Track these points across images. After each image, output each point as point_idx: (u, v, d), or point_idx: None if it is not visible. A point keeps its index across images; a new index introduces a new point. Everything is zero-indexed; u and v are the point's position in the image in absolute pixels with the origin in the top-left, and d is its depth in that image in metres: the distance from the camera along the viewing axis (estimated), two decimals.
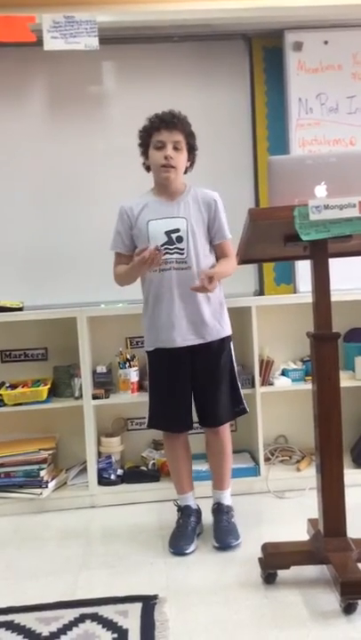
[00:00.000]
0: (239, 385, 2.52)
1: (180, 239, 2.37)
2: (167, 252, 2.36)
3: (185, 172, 2.46)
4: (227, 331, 2.48)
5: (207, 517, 2.53)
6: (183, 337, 2.39)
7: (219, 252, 2.47)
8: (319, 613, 1.89)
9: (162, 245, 2.35)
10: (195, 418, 2.50)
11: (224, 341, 2.46)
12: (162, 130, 2.36)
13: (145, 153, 2.44)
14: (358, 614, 1.86)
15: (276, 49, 3.21)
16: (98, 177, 3.21)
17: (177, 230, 2.38)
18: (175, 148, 2.36)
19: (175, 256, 2.37)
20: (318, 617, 1.87)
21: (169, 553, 2.35)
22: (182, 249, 2.37)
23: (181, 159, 2.39)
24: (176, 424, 2.47)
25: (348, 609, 1.86)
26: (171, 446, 2.52)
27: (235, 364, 2.51)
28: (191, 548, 2.36)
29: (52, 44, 2.97)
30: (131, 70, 3.22)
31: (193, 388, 2.45)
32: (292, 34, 3.12)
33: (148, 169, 2.48)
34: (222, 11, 3.04)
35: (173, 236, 2.37)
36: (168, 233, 2.38)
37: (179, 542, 2.37)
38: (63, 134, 3.21)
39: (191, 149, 2.44)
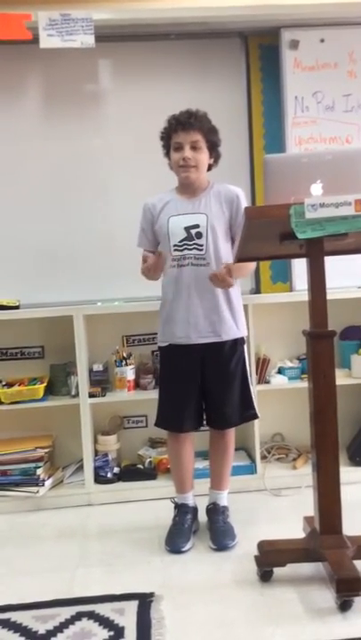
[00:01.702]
0: (251, 389, 2.51)
1: (199, 235, 2.37)
2: (186, 248, 2.37)
3: (209, 169, 2.46)
4: (242, 332, 2.48)
5: (202, 517, 2.53)
6: (199, 334, 2.38)
7: None
8: (315, 611, 1.89)
9: (181, 241, 2.37)
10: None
11: (237, 342, 2.45)
12: (179, 131, 2.36)
13: (168, 154, 2.45)
14: (354, 611, 1.86)
15: (272, 47, 3.21)
16: (94, 175, 3.21)
17: (196, 226, 2.38)
18: (193, 148, 2.36)
19: (194, 252, 2.37)
20: (314, 614, 1.88)
21: (165, 551, 2.35)
22: (201, 245, 2.37)
23: (201, 158, 2.39)
24: (185, 424, 2.44)
25: (344, 606, 1.87)
26: (175, 445, 2.50)
27: (247, 367, 2.50)
28: (188, 546, 2.36)
29: (48, 41, 2.97)
30: (127, 68, 3.22)
31: (203, 388, 2.43)
32: (288, 32, 3.12)
33: (172, 168, 2.47)
34: (219, 9, 3.04)
35: (193, 231, 2.37)
36: (187, 229, 2.37)
37: (175, 540, 2.37)
38: (59, 132, 3.20)
39: (213, 146, 2.43)
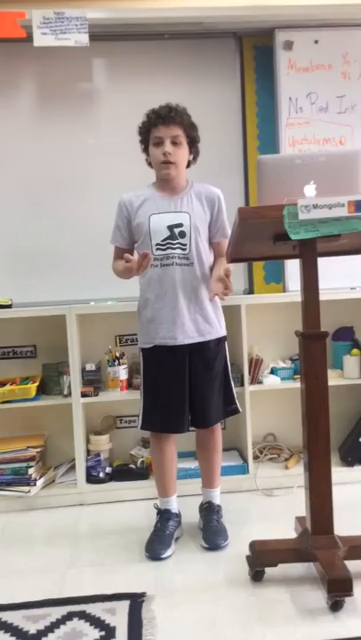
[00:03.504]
0: (232, 384, 2.50)
1: (182, 234, 2.34)
2: (169, 247, 2.34)
3: (188, 166, 2.42)
4: (224, 330, 2.47)
5: (195, 515, 2.54)
6: (185, 334, 2.36)
7: (217, 251, 2.44)
8: (306, 611, 1.90)
9: (164, 240, 2.33)
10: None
11: (220, 341, 2.44)
12: (159, 125, 2.31)
13: (146, 149, 2.41)
14: (345, 611, 1.87)
15: (266, 48, 3.22)
16: (87, 174, 3.21)
17: (180, 225, 2.34)
18: (174, 143, 2.32)
19: (178, 251, 2.33)
20: (305, 614, 1.88)
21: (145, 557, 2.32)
22: (185, 244, 2.34)
23: (181, 154, 2.35)
24: (172, 425, 2.41)
25: (335, 606, 1.87)
26: (158, 448, 2.47)
27: (228, 364, 2.49)
28: (167, 553, 2.31)
29: (42, 40, 2.96)
30: (121, 67, 3.22)
31: (188, 388, 2.40)
32: (282, 33, 3.13)
33: (150, 165, 2.44)
34: (213, 9, 3.05)
35: (176, 230, 2.34)
36: (171, 227, 2.34)
37: (155, 546, 2.33)
38: (53, 131, 3.19)
39: (193, 142, 2.39)
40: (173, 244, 2.34)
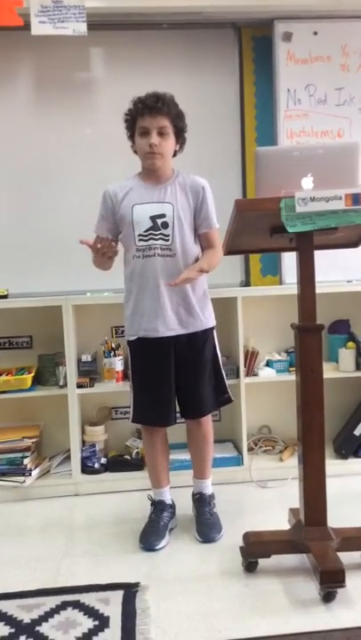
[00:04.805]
0: (223, 374, 2.48)
1: (165, 225, 2.31)
2: (151, 238, 2.31)
3: (174, 155, 2.39)
4: (210, 322, 2.44)
5: (189, 506, 2.55)
6: (167, 326, 2.34)
7: (204, 242, 2.40)
8: (299, 602, 1.91)
9: (146, 231, 2.31)
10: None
11: (207, 332, 2.42)
12: (145, 116, 2.26)
13: (132, 137, 2.36)
14: (337, 603, 1.88)
15: (265, 39, 3.19)
16: (84, 163, 3.19)
17: (162, 216, 2.31)
18: (160, 134, 2.28)
19: (160, 242, 2.30)
20: (298, 605, 1.89)
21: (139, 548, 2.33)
22: (167, 235, 2.31)
23: (167, 145, 2.31)
24: (161, 418, 2.41)
25: (328, 597, 1.89)
26: (150, 440, 2.47)
27: (219, 354, 2.47)
28: (162, 544, 2.33)
29: (39, 28, 2.93)
30: (119, 57, 3.19)
31: (176, 380, 2.39)
32: (281, 24, 3.10)
33: (136, 152, 2.40)
34: None
35: (159, 221, 2.31)
36: (153, 218, 2.31)
37: (149, 538, 2.34)
38: (50, 120, 3.17)
39: (179, 132, 2.34)
40: (156, 235, 2.31)
